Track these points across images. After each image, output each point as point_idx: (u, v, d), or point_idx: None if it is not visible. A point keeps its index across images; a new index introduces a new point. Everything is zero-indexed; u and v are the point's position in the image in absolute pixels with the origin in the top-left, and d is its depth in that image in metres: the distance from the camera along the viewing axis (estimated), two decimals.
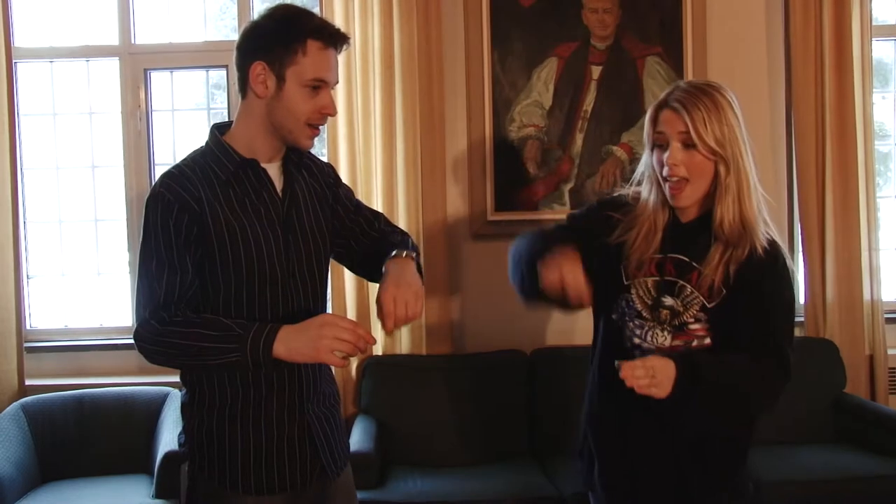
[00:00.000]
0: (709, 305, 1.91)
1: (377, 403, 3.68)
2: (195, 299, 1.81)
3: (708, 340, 1.92)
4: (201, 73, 4.14)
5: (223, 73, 4.03)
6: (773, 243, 1.93)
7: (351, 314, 3.78)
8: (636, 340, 1.97)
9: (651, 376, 1.75)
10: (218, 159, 1.84)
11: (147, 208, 1.80)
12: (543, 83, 3.88)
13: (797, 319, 3.97)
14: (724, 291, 1.90)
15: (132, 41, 4.01)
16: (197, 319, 1.75)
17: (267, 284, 1.83)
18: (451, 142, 3.89)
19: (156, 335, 1.75)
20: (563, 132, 3.88)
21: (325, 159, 3.65)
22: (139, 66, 4.00)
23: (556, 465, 3.45)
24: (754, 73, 3.95)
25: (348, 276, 3.79)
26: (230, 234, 1.79)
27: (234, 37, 3.97)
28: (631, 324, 1.98)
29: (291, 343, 1.70)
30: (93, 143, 4.10)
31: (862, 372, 3.89)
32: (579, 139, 3.87)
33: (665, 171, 1.89)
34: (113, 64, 4.02)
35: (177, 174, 1.81)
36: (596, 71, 3.88)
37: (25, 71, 4.05)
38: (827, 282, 3.86)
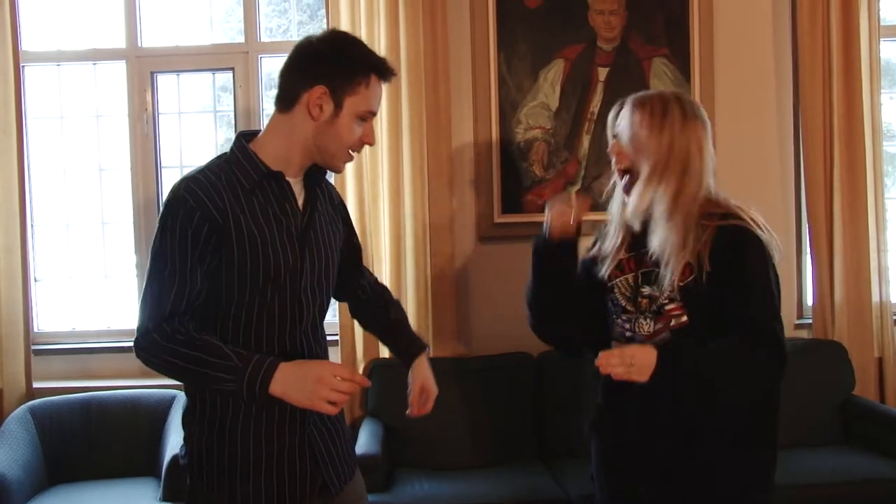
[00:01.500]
0: (679, 284, 1.97)
1: (384, 406, 3.67)
2: (201, 308, 1.81)
3: (685, 318, 1.99)
4: (208, 75, 4.14)
5: (229, 75, 4.03)
6: (738, 220, 2.00)
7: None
8: (627, 334, 2.07)
9: (629, 364, 1.85)
10: (244, 168, 1.83)
11: (168, 209, 1.78)
12: (550, 85, 3.87)
13: (805, 321, 3.97)
14: (690, 271, 1.97)
15: (139, 44, 4.02)
16: (199, 342, 1.75)
17: (278, 295, 1.84)
18: (458, 144, 3.88)
19: (156, 349, 1.77)
20: (569, 134, 3.87)
21: None
22: (146, 68, 4.01)
23: (563, 467, 3.44)
24: (761, 73, 3.94)
25: None
26: (251, 242, 1.79)
27: (240, 39, 4.03)
28: (619, 319, 2.09)
29: (288, 388, 1.74)
30: (100, 146, 4.11)
31: (871, 374, 3.87)
32: (586, 141, 3.86)
33: (613, 164, 2.09)
34: (119, 67, 4.03)
35: (202, 180, 1.80)
36: (602, 72, 3.87)
37: (33, 74, 4.06)
38: (835, 283, 3.84)
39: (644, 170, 2.01)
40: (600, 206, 3.74)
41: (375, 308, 2.23)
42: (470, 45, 3.88)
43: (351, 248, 2.12)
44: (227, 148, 1.92)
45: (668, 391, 1.92)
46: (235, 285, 1.80)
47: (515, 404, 3.68)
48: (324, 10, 3.88)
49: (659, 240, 2.00)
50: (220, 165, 1.85)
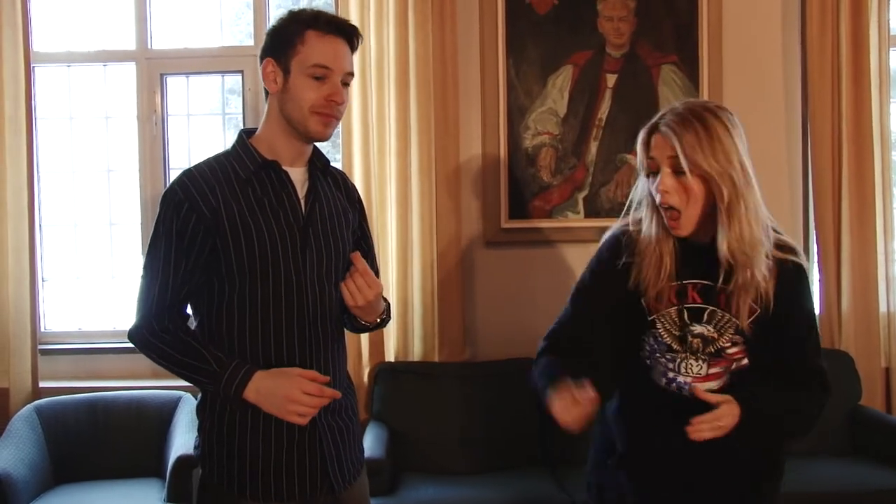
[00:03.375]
0: (743, 327, 1.86)
1: (389, 410, 3.68)
2: (207, 297, 1.87)
3: (745, 361, 1.90)
4: (217, 77, 4.15)
5: (238, 78, 4.04)
6: (793, 253, 1.90)
7: None
8: (670, 374, 1.92)
9: (717, 427, 1.77)
10: (240, 159, 1.89)
11: (161, 203, 1.87)
12: (558, 91, 3.87)
13: None
14: (757, 310, 1.86)
15: (148, 46, 4.04)
16: (181, 344, 1.85)
17: (282, 284, 1.86)
18: (466, 149, 3.88)
19: (145, 343, 1.89)
20: (577, 140, 3.87)
21: (339, 165, 3.68)
22: (155, 70, 4.02)
23: (567, 473, 3.42)
24: (770, 82, 3.93)
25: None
26: (245, 232, 1.83)
27: (250, 42, 4.04)
28: (662, 359, 1.92)
29: (261, 397, 1.82)
30: (108, 147, 4.13)
31: (878, 384, 3.86)
32: (594, 147, 3.86)
33: (658, 199, 1.85)
34: (129, 68, 4.04)
35: (193, 172, 1.87)
36: (611, 79, 3.87)
37: (43, 75, 4.07)
38: (843, 293, 3.83)
39: (725, 196, 1.80)
40: (604, 212, 3.81)
41: None
42: (479, 50, 3.88)
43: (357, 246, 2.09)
44: None
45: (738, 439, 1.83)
46: (235, 275, 1.84)
47: (520, 410, 3.66)
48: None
49: (744, 275, 1.83)
50: (217, 159, 1.91)
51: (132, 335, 1.90)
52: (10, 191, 3.76)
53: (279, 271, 1.85)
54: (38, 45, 3.97)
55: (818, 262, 3.85)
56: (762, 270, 1.82)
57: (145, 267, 1.88)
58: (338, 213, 1.97)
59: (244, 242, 1.82)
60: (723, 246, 1.81)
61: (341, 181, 2.05)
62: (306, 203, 1.90)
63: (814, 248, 3.88)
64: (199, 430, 1.95)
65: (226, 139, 4.20)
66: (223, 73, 4.10)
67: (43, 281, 4.03)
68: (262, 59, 1.89)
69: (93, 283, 4.18)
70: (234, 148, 1.92)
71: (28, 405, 3.61)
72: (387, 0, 3.76)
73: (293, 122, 1.86)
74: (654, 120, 1.88)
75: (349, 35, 1.88)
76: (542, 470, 3.54)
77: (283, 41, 1.84)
